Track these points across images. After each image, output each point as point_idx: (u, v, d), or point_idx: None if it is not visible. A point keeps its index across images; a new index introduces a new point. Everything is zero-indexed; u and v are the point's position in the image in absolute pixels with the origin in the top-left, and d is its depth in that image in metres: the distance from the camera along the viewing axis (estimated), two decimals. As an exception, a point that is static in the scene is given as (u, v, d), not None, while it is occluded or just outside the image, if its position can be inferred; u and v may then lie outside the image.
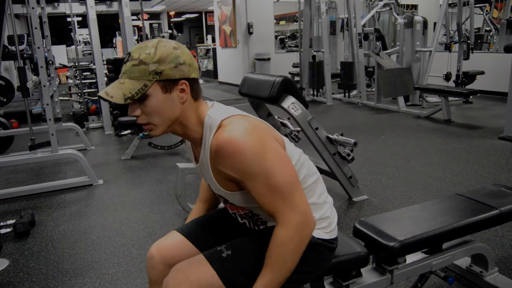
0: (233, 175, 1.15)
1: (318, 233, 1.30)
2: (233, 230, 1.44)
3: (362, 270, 1.55)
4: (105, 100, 1.16)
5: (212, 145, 1.16)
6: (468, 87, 7.10)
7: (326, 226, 1.32)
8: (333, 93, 8.06)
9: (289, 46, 11.73)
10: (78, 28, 11.27)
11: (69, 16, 7.48)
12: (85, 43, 12.37)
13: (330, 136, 3.05)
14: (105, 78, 6.16)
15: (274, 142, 1.19)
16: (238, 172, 1.14)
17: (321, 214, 1.31)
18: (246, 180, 1.14)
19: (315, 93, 8.50)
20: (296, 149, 1.33)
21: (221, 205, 1.51)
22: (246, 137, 1.12)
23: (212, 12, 13.75)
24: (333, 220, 1.36)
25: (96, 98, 6.80)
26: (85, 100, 6.97)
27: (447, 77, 7.13)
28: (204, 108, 1.23)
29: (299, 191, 1.18)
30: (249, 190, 1.16)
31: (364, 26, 7.64)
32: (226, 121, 1.17)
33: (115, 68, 5.89)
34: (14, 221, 2.95)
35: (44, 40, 5.50)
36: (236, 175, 1.15)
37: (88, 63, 7.36)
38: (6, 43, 5.55)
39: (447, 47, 7.15)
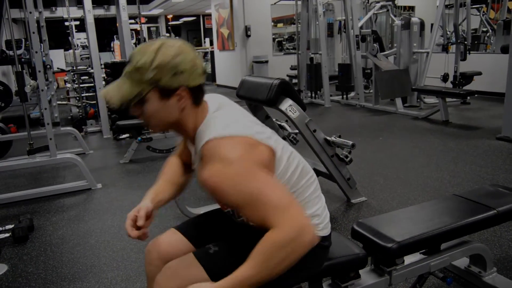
0: (223, 202, 1.21)
1: None
2: (230, 229, 1.45)
3: (360, 271, 1.55)
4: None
5: (199, 173, 1.19)
6: (465, 88, 7.12)
7: (318, 223, 1.32)
8: (331, 95, 8.07)
9: (287, 49, 11.74)
10: (76, 32, 11.26)
11: (67, 20, 7.49)
12: (83, 47, 12.37)
13: (328, 138, 3.05)
14: (103, 82, 6.16)
15: (257, 169, 1.13)
16: (226, 202, 1.19)
17: (313, 210, 1.32)
18: (238, 205, 1.14)
19: (313, 95, 8.52)
20: (287, 147, 1.31)
21: (216, 206, 1.52)
22: (226, 170, 1.09)
23: (209, 15, 13.76)
24: (326, 217, 1.36)
25: (94, 102, 6.80)
26: (83, 104, 6.97)
27: (445, 78, 7.15)
28: (201, 116, 1.23)
29: (295, 205, 1.13)
30: (242, 212, 1.19)
31: (361, 28, 7.66)
32: (210, 146, 1.14)
33: (113, 72, 5.89)
34: (12, 226, 2.95)
35: (42, 44, 5.51)
36: (225, 202, 1.21)
37: (86, 67, 7.36)
38: (4, 48, 5.56)
39: (444, 48, 7.17)
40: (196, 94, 1.20)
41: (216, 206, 1.62)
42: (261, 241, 1.09)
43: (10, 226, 2.97)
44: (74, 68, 7.11)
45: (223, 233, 1.44)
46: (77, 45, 11.42)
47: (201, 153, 1.17)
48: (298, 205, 1.16)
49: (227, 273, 1.17)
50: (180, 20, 19.52)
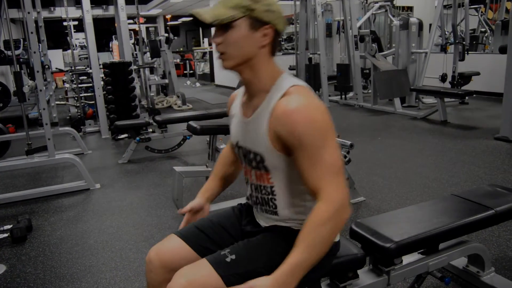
0: (291, 140, 1.17)
1: None
2: (232, 235, 1.44)
3: (358, 271, 1.56)
4: (195, 18, 1.21)
5: (278, 106, 1.20)
6: (463, 88, 7.14)
7: None
8: (329, 95, 8.08)
9: (286, 49, 11.75)
10: (74, 32, 11.24)
11: (65, 20, 7.48)
12: (82, 47, 12.36)
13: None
14: (102, 82, 6.16)
15: (333, 128, 1.22)
16: (298, 140, 1.16)
17: None
18: (302, 149, 1.16)
19: (311, 95, 8.50)
20: None
21: (220, 206, 1.51)
22: (315, 112, 1.17)
23: (208, 15, 13.73)
24: None
25: (93, 102, 6.77)
26: (82, 104, 6.96)
27: (443, 78, 7.16)
28: (278, 67, 1.29)
29: (343, 177, 1.20)
30: (299, 160, 1.18)
31: (360, 28, 7.66)
32: (296, 89, 1.22)
33: (111, 72, 5.88)
34: (11, 226, 2.95)
35: (40, 44, 5.50)
36: (294, 142, 1.17)
37: (84, 67, 7.35)
38: (2, 48, 5.54)
39: (443, 49, 7.18)
40: (276, 41, 1.26)
41: (215, 208, 1.62)
42: (308, 221, 1.15)
43: (9, 227, 2.96)
44: (73, 68, 7.09)
45: (226, 239, 1.42)
46: (76, 45, 11.41)
47: (287, 91, 1.21)
48: (344, 178, 1.21)
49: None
50: (179, 20, 19.49)
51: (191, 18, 1.23)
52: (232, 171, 1.61)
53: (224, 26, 1.20)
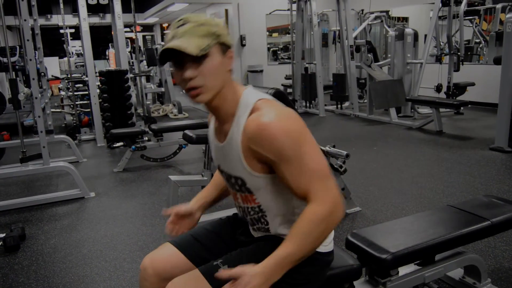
0: (270, 156, 1.15)
1: None
2: (227, 244, 1.43)
3: (355, 283, 1.55)
4: (170, 53, 1.14)
5: (249, 125, 1.17)
6: (459, 98, 7.17)
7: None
8: (325, 105, 8.09)
9: (282, 58, 11.80)
10: (71, 40, 11.26)
11: (62, 28, 7.48)
12: (78, 55, 12.36)
13: (322, 148, 3.05)
14: (98, 90, 6.15)
15: (309, 132, 1.20)
16: (277, 155, 1.14)
17: None
18: (283, 163, 1.15)
19: (307, 105, 8.54)
20: None
21: (213, 216, 1.49)
22: (287, 123, 1.15)
23: (205, 24, 13.79)
24: (331, 234, 1.37)
25: (89, 110, 6.76)
26: (78, 112, 6.94)
27: (438, 88, 7.20)
28: (239, 86, 1.26)
29: (332, 179, 1.19)
30: (283, 173, 1.16)
31: (355, 38, 7.72)
32: (262, 103, 1.20)
33: (107, 80, 5.88)
34: (4, 235, 2.92)
35: (36, 52, 5.49)
36: (273, 157, 1.15)
37: (80, 75, 7.33)
38: (-2, 55, 5.53)
39: (438, 59, 7.23)
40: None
41: (211, 218, 1.61)
42: (300, 218, 1.15)
43: (2, 235, 2.93)
44: (69, 76, 7.08)
45: (221, 248, 1.41)
46: (72, 53, 11.42)
47: (254, 108, 1.19)
48: (333, 179, 1.19)
49: None
50: (176, 28, 19.53)
51: (162, 53, 1.15)
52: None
53: (198, 57, 1.13)
